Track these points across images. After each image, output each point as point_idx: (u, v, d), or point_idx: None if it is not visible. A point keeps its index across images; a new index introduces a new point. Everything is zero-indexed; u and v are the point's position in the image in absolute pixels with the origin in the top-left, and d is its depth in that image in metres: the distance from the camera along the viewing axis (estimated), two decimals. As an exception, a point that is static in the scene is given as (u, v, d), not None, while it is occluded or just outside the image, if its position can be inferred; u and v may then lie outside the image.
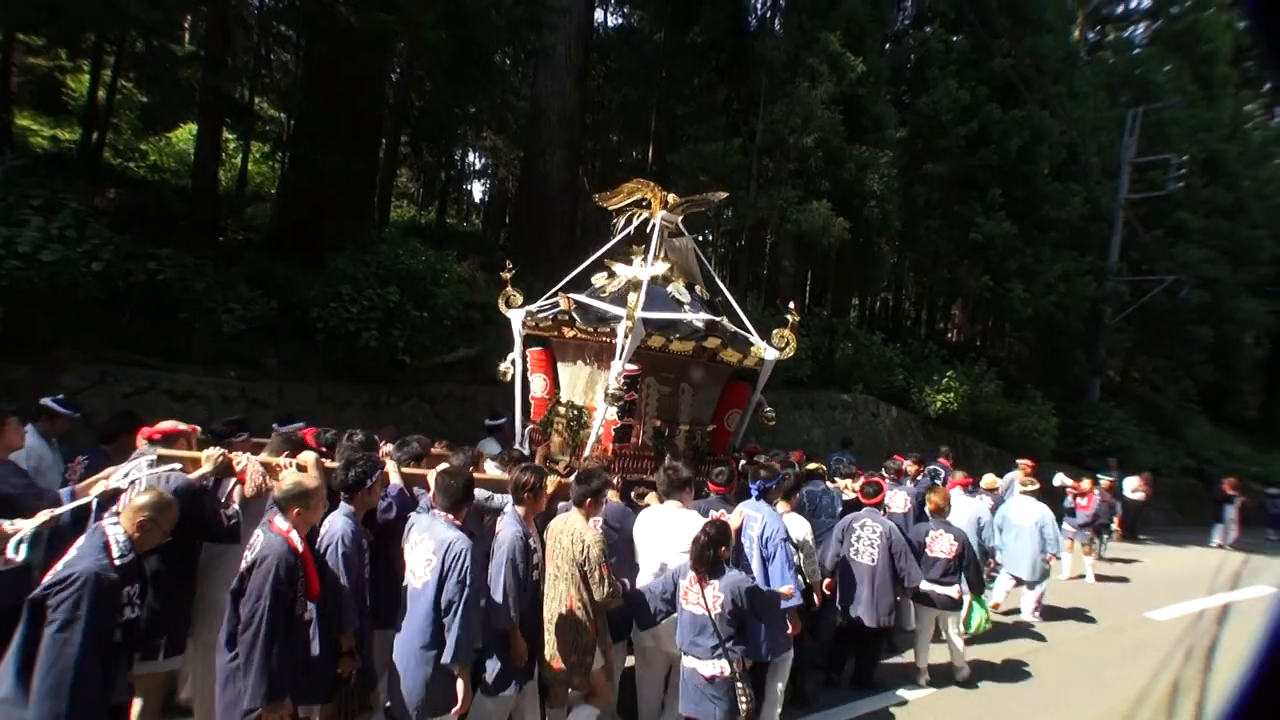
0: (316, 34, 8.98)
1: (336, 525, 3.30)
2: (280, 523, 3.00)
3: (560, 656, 3.63)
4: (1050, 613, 8.22)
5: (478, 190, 24.74)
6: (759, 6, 16.20)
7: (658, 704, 4.24)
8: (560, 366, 5.90)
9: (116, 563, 2.72)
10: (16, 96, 10.73)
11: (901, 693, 5.52)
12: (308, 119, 9.82)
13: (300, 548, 2.98)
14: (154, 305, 7.48)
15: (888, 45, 16.25)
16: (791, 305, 5.99)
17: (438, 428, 8.16)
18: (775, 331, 5.72)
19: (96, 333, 6.97)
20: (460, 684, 3.16)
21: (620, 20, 18.18)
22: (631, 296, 4.75)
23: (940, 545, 5.65)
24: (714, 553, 3.53)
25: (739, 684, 3.49)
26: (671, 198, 5.67)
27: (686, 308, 5.32)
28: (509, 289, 5.78)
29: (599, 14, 15.92)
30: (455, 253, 12.66)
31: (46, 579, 2.62)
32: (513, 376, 5.80)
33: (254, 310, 7.58)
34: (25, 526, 3.04)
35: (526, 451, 5.23)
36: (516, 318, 5.70)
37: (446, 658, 3.12)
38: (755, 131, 13.29)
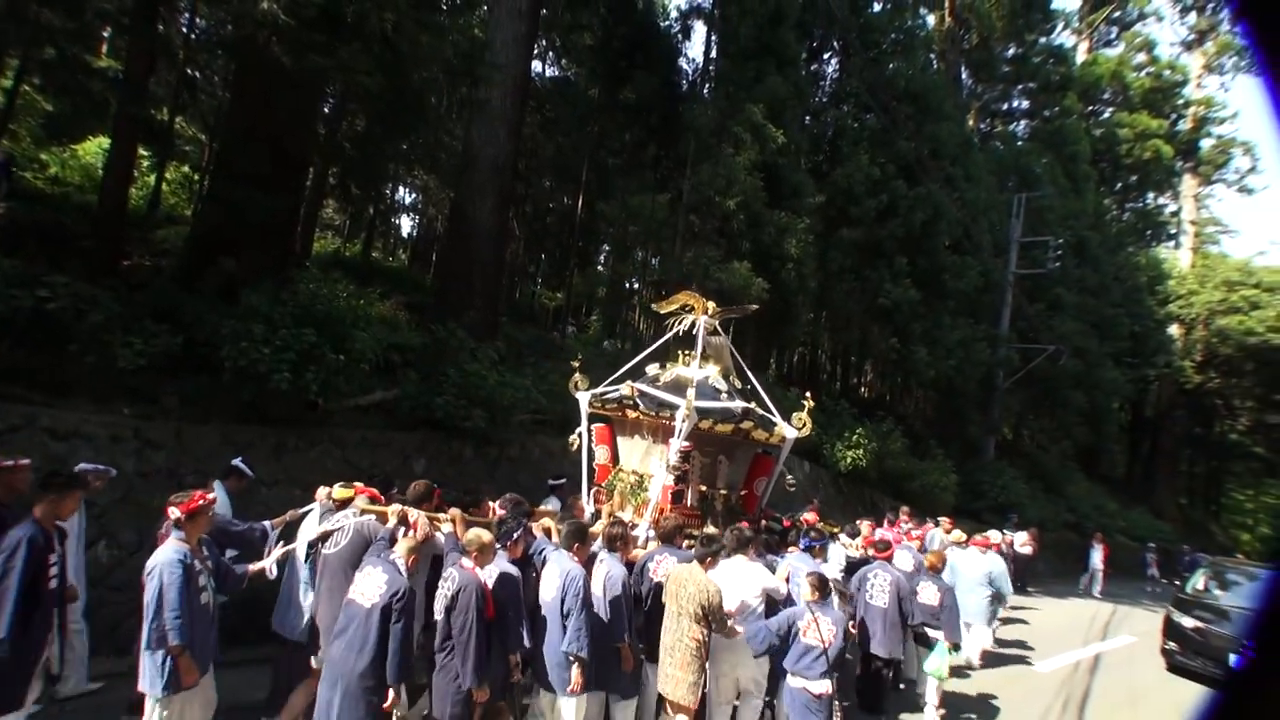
0: (246, 69, 8.79)
1: (502, 568, 4.41)
2: (466, 563, 4.19)
3: (678, 678, 4.67)
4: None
5: (406, 225, 24.42)
6: (690, 74, 17.07)
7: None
8: (620, 440, 7.24)
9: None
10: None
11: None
12: (231, 149, 9.52)
13: (482, 581, 4.15)
14: (38, 333, 6.98)
15: (807, 119, 17.39)
16: (809, 394, 7.59)
17: (348, 475, 7.88)
18: (794, 415, 6.98)
19: (-32, 362, 6.43)
20: (576, 667, 4.33)
21: (557, 72, 18.71)
22: (690, 391, 6.01)
23: (927, 595, 6.86)
24: (823, 596, 4.90)
25: (835, 700, 4.90)
26: (711, 306, 7.00)
27: (724, 396, 6.56)
28: (577, 375, 7.24)
29: (536, 65, 16.31)
30: (379, 291, 12.43)
31: (386, 591, 3.87)
32: (579, 447, 7.06)
33: (156, 345, 7.18)
34: (272, 555, 4.66)
35: (592, 509, 6.47)
36: (584, 399, 7.11)
37: (566, 646, 4.32)
38: (682, 190, 13.86)
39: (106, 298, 7.07)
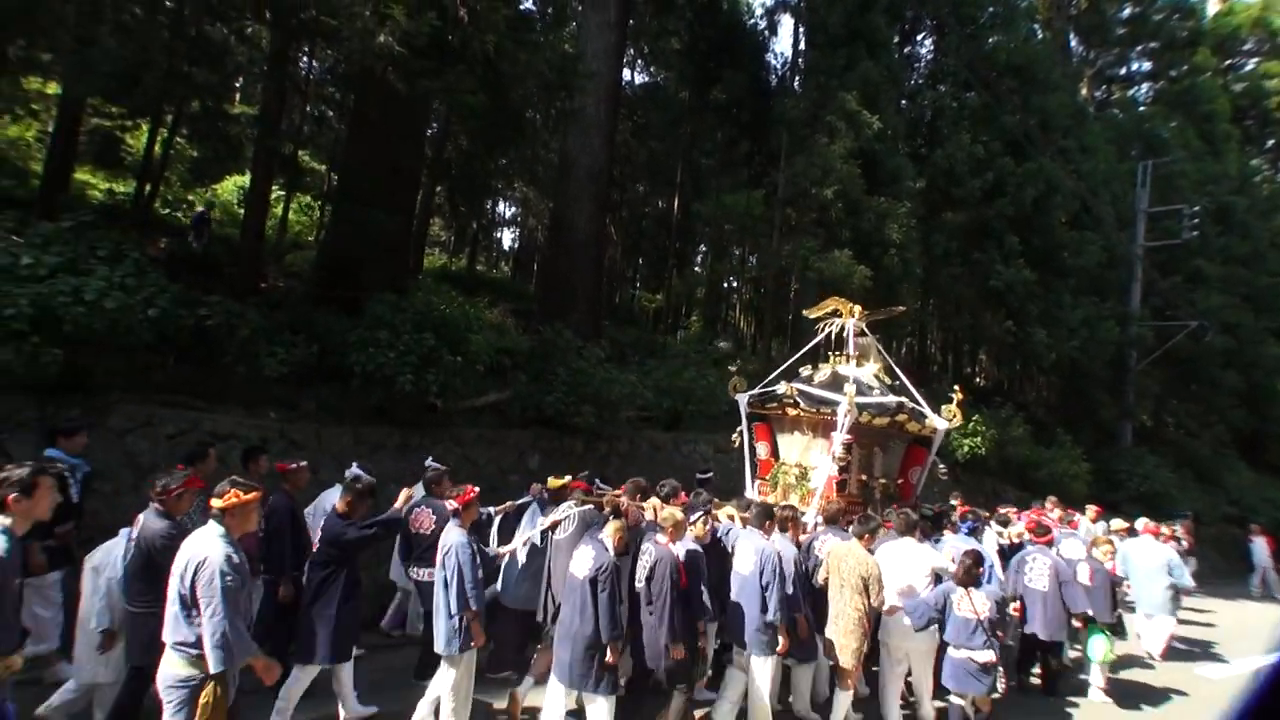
0: (364, 97, 9.47)
1: (689, 546, 5.01)
2: (661, 539, 4.83)
3: (846, 646, 5.14)
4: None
5: (507, 238, 25.45)
6: (778, 68, 16.87)
7: (898, 689, 5.63)
8: (779, 436, 7.66)
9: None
10: (80, 154, 11.36)
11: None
12: (351, 174, 10.28)
13: (675, 555, 4.75)
14: (199, 349, 7.76)
15: (903, 102, 16.76)
16: (957, 387, 7.76)
17: (467, 470, 8.27)
18: (944, 407, 7.24)
19: (144, 376, 7.22)
20: (781, 633, 4.94)
21: (647, 78, 18.98)
22: (849, 388, 6.50)
23: (1081, 574, 6.80)
24: (975, 572, 5.22)
25: (999, 668, 5.22)
26: (858, 309, 7.55)
27: (877, 391, 7.05)
28: (736, 378, 7.74)
29: (626, 73, 16.63)
30: (486, 300, 13.01)
31: (593, 565, 4.41)
32: (740, 444, 7.71)
33: (295, 355, 7.83)
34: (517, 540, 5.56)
35: (757, 498, 6.81)
36: (743, 400, 7.64)
37: (772, 616, 4.90)
38: (777, 184, 13.68)
39: (254, 313, 7.78)
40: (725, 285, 19.36)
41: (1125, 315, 19.14)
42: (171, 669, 3.27)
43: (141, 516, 4.14)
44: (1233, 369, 20.70)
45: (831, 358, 7.59)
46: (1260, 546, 15.41)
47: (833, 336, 7.79)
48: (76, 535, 5.02)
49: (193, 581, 3.24)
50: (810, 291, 15.43)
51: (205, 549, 3.30)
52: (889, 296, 14.41)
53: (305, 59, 11.92)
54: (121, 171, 12.77)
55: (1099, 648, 6.58)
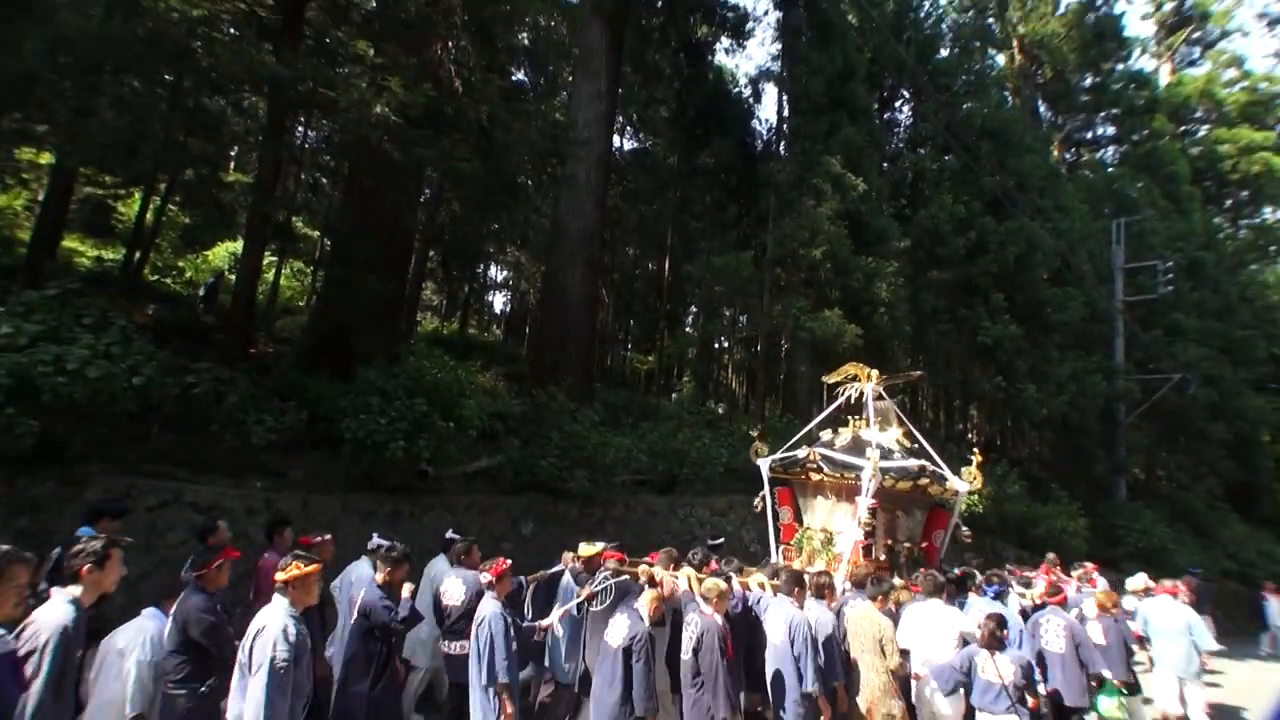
0: (359, 165, 9.57)
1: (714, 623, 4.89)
2: (706, 609, 4.81)
3: (877, 710, 5.18)
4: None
5: (499, 302, 25.57)
6: (764, 134, 17.43)
7: None
8: (801, 501, 7.72)
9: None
10: (70, 221, 11.32)
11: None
12: (344, 240, 10.30)
13: (721, 625, 4.73)
14: (184, 418, 7.53)
15: (885, 165, 17.31)
16: (976, 449, 7.97)
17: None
18: (964, 470, 7.23)
19: (125, 446, 6.97)
20: (822, 702, 4.87)
21: (636, 144, 19.53)
22: (872, 452, 6.53)
23: (1094, 632, 6.62)
24: (1000, 635, 5.12)
25: None
26: (875, 374, 7.67)
27: (898, 455, 7.11)
28: (757, 443, 7.85)
29: (616, 139, 17.09)
30: (478, 364, 12.88)
31: (627, 634, 4.49)
32: (763, 509, 7.76)
33: (284, 422, 7.62)
34: (555, 613, 5.32)
35: (782, 563, 6.81)
36: (764, 465, 7.71)
37: (808, 686, 4.83)
38: (765, 245, 13.90)
39: (242, 379, 7.61)
40: (716, 346, 19.43)
41: (1111, 369, 19.37)
42: None
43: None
44: (1220, 421, 20.87)
45: (851, 422, 7.67)
46: (1275, 606, 14.97)
47: (851, 400, 7.86)
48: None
49: (251, 648, 3.38)
50: (802, 351, 15.55)
51: (267, 619, 3.44)
52: (880, 354, 14.51)
53: (301, 128, 12.11)
54: (111, 239, 12.72)
55: (1106, 705, 6.36)
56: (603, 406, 12.44)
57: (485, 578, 4.85)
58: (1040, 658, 6.34)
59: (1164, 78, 32.62)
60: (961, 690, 5.23)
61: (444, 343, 14.40)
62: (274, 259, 14.32)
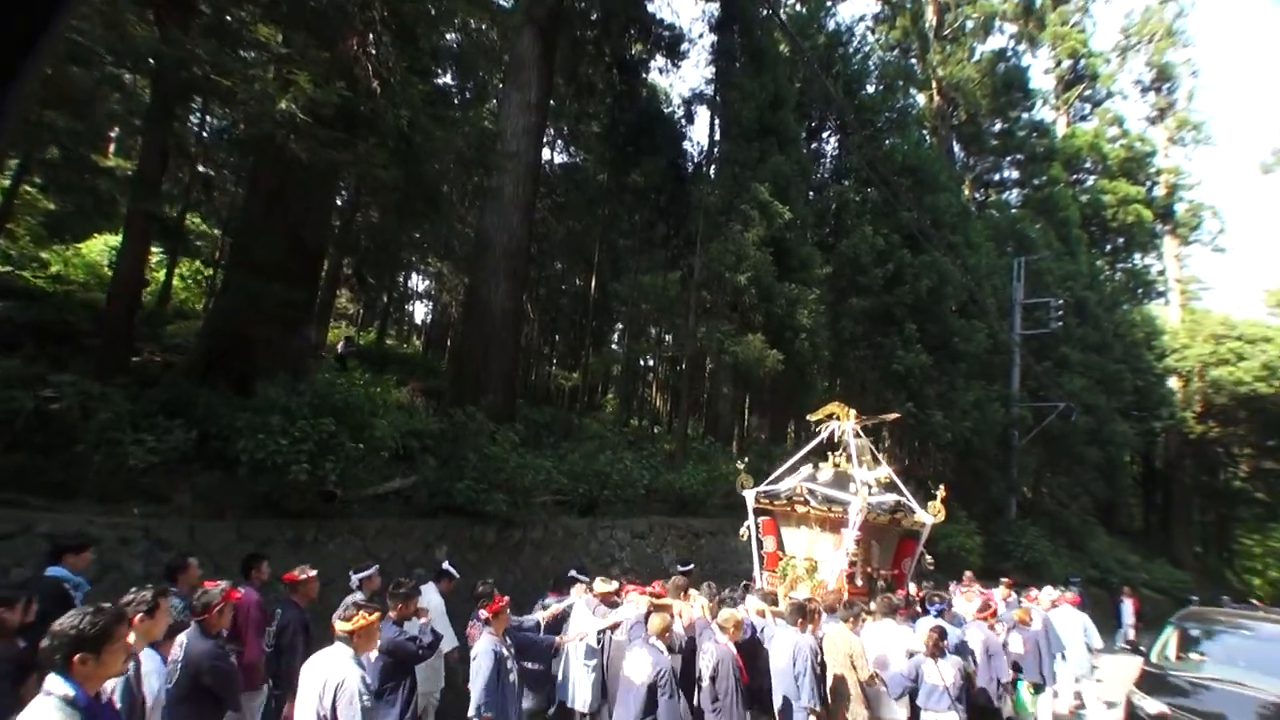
0: (262, 164, 8.88)
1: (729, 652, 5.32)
2: (720, 638, 5.27)
3: (847, 714, 5.85)
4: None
5: (419, 311, 24.51)
6: (694, 155, 17.54)
7: None
8: (784, 530, 8.23)
9: None
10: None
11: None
12: (246, 242, 9.51)
13: (735, 653, 5.19)
14: (41, 435, 6.68)
15: (811, 194, 17.78)
16: (943, 486, 8.59)
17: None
18: (930, 504, 7.92)
19: (-40, 468, 6.09)
20: (813, 717, 5.35)
21: (566, 158, 19.24)
22: (861, 490, 7.22)
23: (1014, 644, 7.74)
24: (941, 645, 6.02)
25: None
26: (853, 413, 8.30)
27: (875, 490, 7.64)
28: (743, 475, 8.29)
29: (546, 152, 16.76)
30: (395, 378, 12.22)
31: (652, 671, 4.76)
32: (748, 538, 8.24)
33: (168, 441, 6.87)
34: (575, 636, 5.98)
35: (767, 589, 7.56)
36: (750, 496, 8.22)
37: (808, 701, 5.33)
38: (693, 267, 13.91)
39: (116, 395, 6.82)
40: (641, 363, 19.34)
41: (1008, 397, 20.70)
42: None
43: (182, 637, 3.97)
44: (1094, 445, 22.84)
45: (830, 457, 8.32)
46: (1127, 608, 16.87)
47: (834, 438, 8.60)
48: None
49: (333, 703, 3.48)
50: (725, 372, 15.69)
51: (341, 671, 3.55)
52: (799, 380, 14.84)
53: (198, 115, 11.12)
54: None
55: (1024, 700, 7.67)
56: (525, 424, 12.07)
57: (482, 614, 5.12)
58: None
59: (1060, 129, 35.40)
60: (908, 695, 6.08)
61: (359, 353, 13.64)
62: (166, 257, 13.15)
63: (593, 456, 11.19)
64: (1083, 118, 38.19)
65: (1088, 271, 28.09)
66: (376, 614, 3.84)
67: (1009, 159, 29.67)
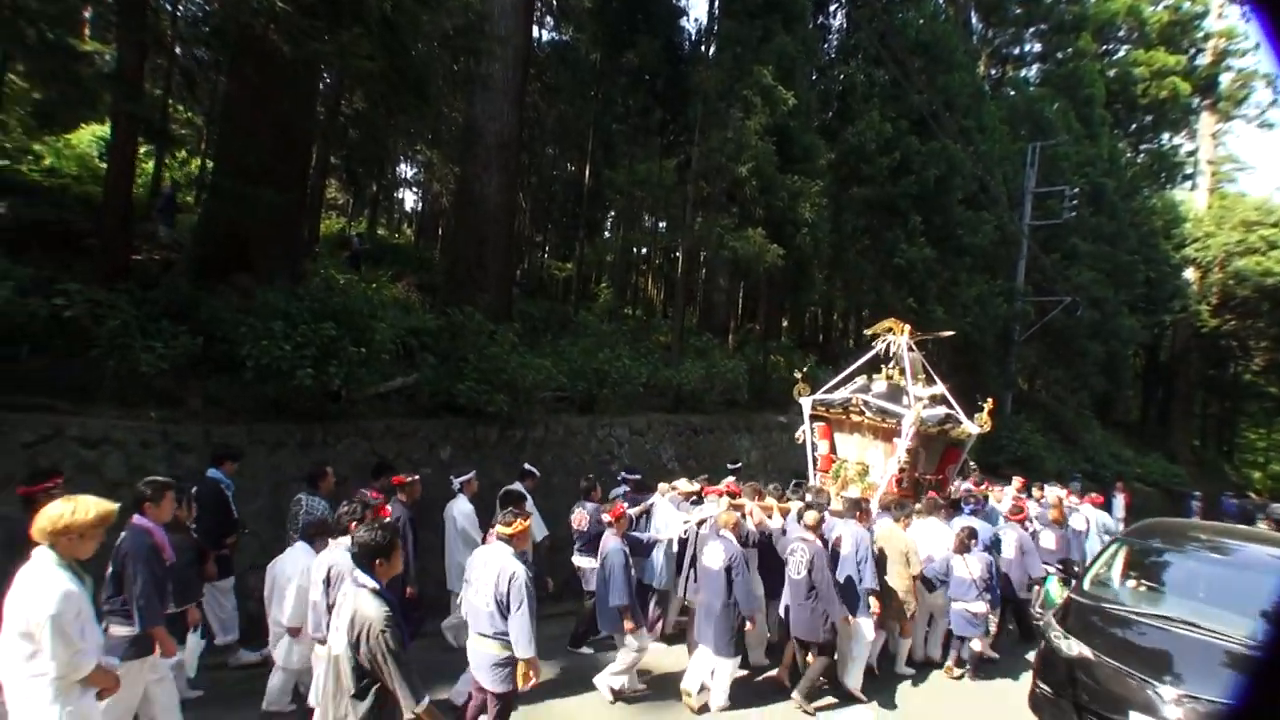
0: (243, 55, 8.51)
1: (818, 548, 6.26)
2: (808, 535, 6.14)
3: (907, 605, 6.73)
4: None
5: (410, 200, 23.99)
6: (693, 35, 16.46)
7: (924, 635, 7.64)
8: (837, 436, 9.14)
9: None
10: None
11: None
12: (232, 140, 9.29)
13: (822, 548, 6.21)
14: (58, 341, 6.92)
15: (815, 76, 16.84)
16: (991, 399, 9.21)
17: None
18: (976, 415, 8.67)
19: (-11, 376, 6.37)
20: (874, 599, 6.32)
21: (557, 36, 18.07)
22: (916, 405, 7.86)
23: (1046, 540, 8.89)
24: (969, 543, 7.01)
25: (991, 617, 7.20)
26: (908, 328, 8.94)
27: (925, 402, 8.13)
28: (800, 384, 9.14)
29: (536, 30, 15.77)
30: (389, 273, 12.26)
31: (725, 558, 5.76)
32: (803, 441, 9.15)
33: (176, 347, 7.10)
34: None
35: (821, 486, 8.15)
36: (806, 404, 9.06)
37: (870, 583, 6.33)
38: (690, 156, 13.49)
39: (123, 300, 6.97)
40: (636, 253, 19.12)
41: (1012, 291, 20.51)
42: (490, 652, 4.36)
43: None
44: (1098, 339, 22.74)
45: (884, 369, 8.92)
46: (1119, 502, 17.49)
47: (890, 351, 9.08)
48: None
49: (508, 589, 4.26)
50: (723, 265, 15.59)
51: (511, 565, 4.33)
52: (799, 275, 14.77)
53: (170, 3, 10.47)
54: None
55: (1054, 590, 8.21)
56: (522, 320, 12.24)
57: (606, 519, 6.00)
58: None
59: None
60: (941, 585, 7.05)
61: (369, 253, 13.58)
62: (153, 146, 12.84)
63: (591, 353, 11.39)
64: (1122, -24, 34.96)
65: (1108, 155, 26.70)
66: (529, 519, 4.66)
67: (1032, 30, 27.56)
